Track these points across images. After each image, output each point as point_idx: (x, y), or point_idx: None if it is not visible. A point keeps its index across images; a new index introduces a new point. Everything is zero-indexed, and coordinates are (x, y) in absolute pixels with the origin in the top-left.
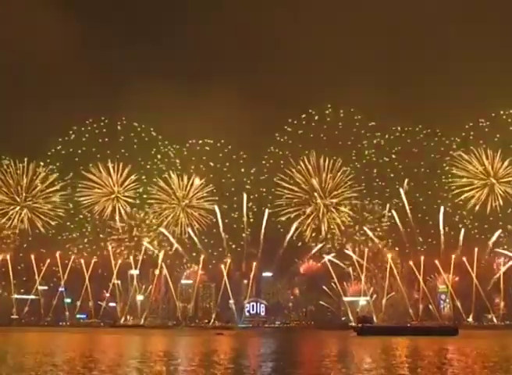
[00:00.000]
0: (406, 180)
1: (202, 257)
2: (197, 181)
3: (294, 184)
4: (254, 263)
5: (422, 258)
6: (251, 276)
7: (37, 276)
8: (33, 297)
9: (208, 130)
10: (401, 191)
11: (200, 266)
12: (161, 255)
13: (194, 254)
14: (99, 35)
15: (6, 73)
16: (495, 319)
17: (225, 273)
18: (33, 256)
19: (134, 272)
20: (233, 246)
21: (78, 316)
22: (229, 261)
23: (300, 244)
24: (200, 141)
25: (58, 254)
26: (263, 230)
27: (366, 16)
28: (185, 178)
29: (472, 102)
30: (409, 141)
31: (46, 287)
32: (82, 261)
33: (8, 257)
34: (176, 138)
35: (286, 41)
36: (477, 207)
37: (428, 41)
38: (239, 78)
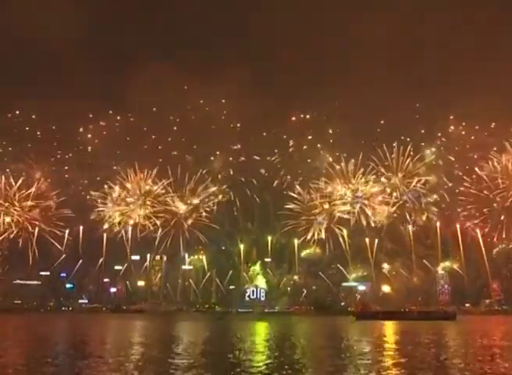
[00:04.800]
0: None
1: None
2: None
3: None
4: (254, 249)
5: None
6: (251, 261)
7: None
8: (35, 282)
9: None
10: None
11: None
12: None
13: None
14: (109, 21)
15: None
16: (493, 304)
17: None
18: None
19: (135, 257)
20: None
21: (80, 301)
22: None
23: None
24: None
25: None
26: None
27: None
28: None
29: None
30: None
31: (48, 273)
32: None
33: None
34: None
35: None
36: None
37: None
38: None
